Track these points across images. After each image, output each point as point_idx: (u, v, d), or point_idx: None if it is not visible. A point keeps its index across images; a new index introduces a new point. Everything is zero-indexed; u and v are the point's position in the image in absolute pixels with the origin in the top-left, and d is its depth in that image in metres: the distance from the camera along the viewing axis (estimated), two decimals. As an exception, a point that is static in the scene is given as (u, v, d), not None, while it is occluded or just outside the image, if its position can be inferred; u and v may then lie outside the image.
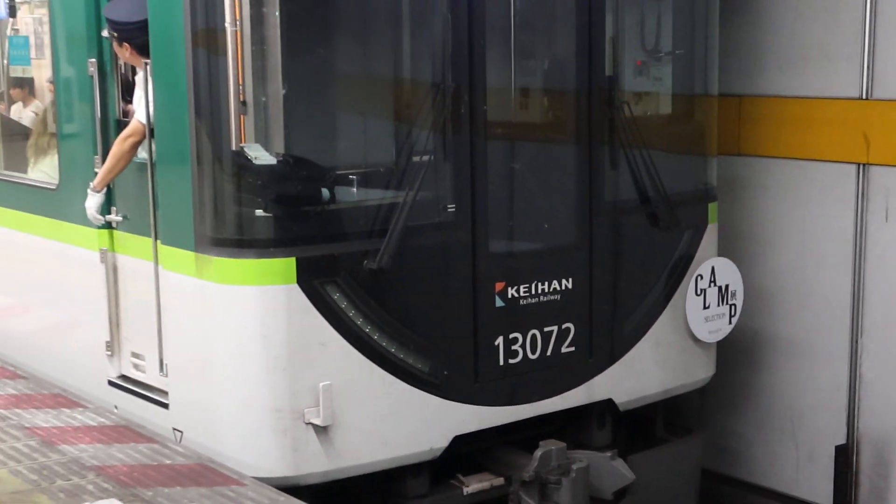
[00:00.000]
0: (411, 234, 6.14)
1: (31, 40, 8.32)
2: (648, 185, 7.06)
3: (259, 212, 6.02)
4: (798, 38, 7.67)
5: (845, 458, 7.71)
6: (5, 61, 8.44)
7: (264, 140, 6.05)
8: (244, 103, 5.98)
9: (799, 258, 7.89)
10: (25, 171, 8.12)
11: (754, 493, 8.26)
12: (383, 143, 6.70)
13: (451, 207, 6.37)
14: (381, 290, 6.13)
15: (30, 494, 5.64)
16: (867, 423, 7.66)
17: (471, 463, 6.73)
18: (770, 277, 8.02)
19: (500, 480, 6.67)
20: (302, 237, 6.04)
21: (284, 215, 6.05)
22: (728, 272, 7.48)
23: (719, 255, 7.55)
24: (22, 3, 8.29)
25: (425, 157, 6.29)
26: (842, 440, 7.73)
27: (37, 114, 8.64)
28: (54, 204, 7.34)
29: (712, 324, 7.45)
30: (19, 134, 8.60)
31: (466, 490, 6.58)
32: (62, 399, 7.19)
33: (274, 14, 5.91)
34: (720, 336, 7.56)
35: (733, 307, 7.52)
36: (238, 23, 5.87)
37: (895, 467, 7.53)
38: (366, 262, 6.04)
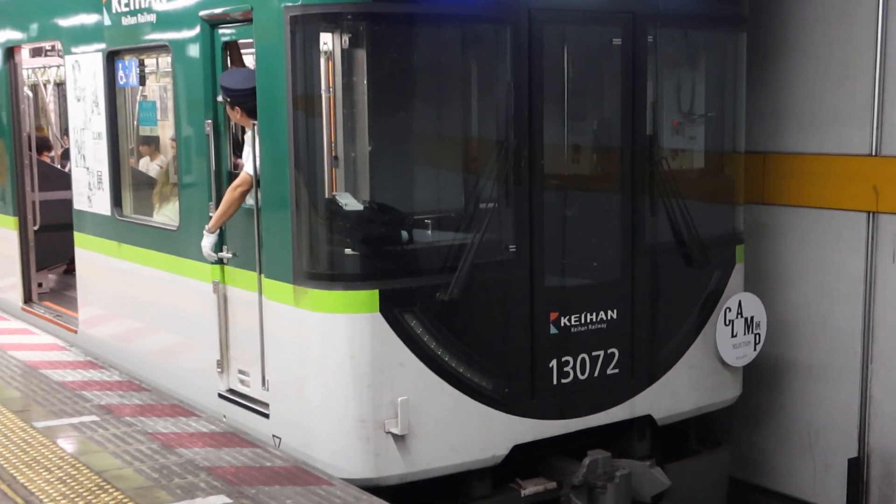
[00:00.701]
0: (478, 271, 6.14)
1: (158, 104, 8.46)
2: (683, 229, 6.99)
3: (348, 250, 6.05)
4: (815, 103, 7.61)
5: (857, 470, 7.58)
6: (136, 122, 8.53)
7: (353, 189, 6.09)
8: (336, 158, 6.05)
9: (815, 294, 7.79)
10: (151, 215, 8.18)
11: (776, 499, 8.13)
12: (454, 191, 6.71)
13: (513, 247, 6.37)
14: (451, 319, 6.13)
15: (151, 490, 5.67)
16: (876, 439, 7.53)
17: (527, 469, 6.66)
18: (790, 310, 7.92)
19: (552, 485, 6.61)
20: (384, 272, 6.06)
21: (369, 253, 6.08)
22: (753, 305, 7.39)
23: (745, 290, 7.46)
24: (150, 73, 8.41)
25: (490, 204, 6.28)
26: (854, 454, 7.60)
27: (161, 166, 8.76)
28: (175, 243, 7.39)
29: (739, 350, 7.37)
30: (146, 183, 8.69)
31: (524, 493, 6.52)
32: (179, 409, 7.23)
33: (362, 82, 5.94)
34: (746, 361, 7.46)
35: (758, 336, 7.43)
36: (331, 90, 5.96)
37: (902, 479, 7.41)
38: (438, 294, 6.05)
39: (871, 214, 7.33)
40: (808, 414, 7.90)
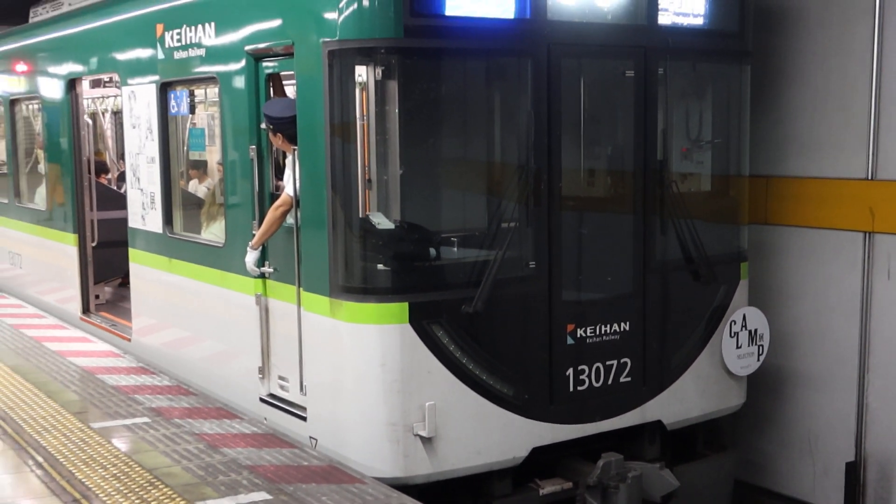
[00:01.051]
0: (500, 285, 6.13)
1: (206, 131, 8.52)
2: (692, 247, 6.96)
3: (380, 266, 6.05)
4: (814, 130, 7.58)
5: (854, 473, 7.51)
6: (186, 147, 8.58)
7: (385, 209, 6.10)
8: (369, 180, 6.06)
9: (815, 308, 7.74)
10: (199, 233, 8.21)
11: (778, 501, 8.06)
12: (478, 212, 6.71)
13: (532, 264, 6.35)
14: (475, 330, 6.12)
15: (198, 487, 5.70)
16: (873, 445, 7.46)
17: (545, 469, 6.63)
18: (791, 324, 7.86)
19: (569, 484, 6.58)
20: (413, 286, 6.07)
21: (400, 269, 6.08)
22: (757, 319, 7.35)
23: (750, 305, 7.42)
24: (199, 102, 8.48)
25: (512, 224, 6.28)
26: (851, 458, 7.53)
27: (209, 188, 8.79)
28: (221, 258, 7.41)
29: (743, 360, 7.32)
30: (195, 203, 8.73)
31: (542, 492, 6.50)
32: (224, 412, 7.26)
33: (394, 111, 5.97)
34: (750, 370, 7.41)
35: (761, 347, 7.39)
36: (365, 118, 5.98)
37: (897, 481, 7.35)
38: (463, 306, 6.05)
39: (867, 234, 7.29)
40: (809, 420, 7.84)
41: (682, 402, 7.08)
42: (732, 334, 7.23)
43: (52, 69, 10.58)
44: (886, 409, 7.35)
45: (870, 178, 7.23)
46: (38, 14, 11.72)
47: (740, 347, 7.29)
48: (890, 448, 7.34)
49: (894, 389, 7.28)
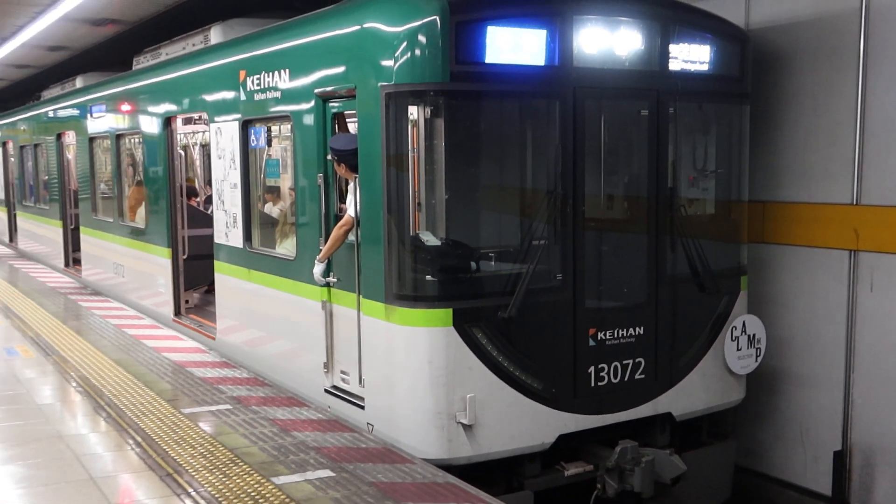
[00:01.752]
0: (531, 294, 6.12)
1: (280, 161, 8.59)
2: (697, 263, 6.90)
3: (428, 277, 6.05)
4: (806, 162, 7.48)
5: (841, 461, 7.38)
6: (263, 175, 8.65)
7: (432, 228, 6.09)
8: (419, 204, 6.07)
9: (806, 316, 7.63)
10: (273, 248, 8.26)
11: (774, 484, 7.94)
12: (513, 231, 6.70)
13: (559, 276, 6.33)
14: (509, 332, 6.11)
15: (272, 465, 5.75)
16: (857, 436, 7.33)
17: (570, 454, 6.60)
18: (786, 329, 7.76)
19: (590, 467, 6.54)
20: (456, 295, 6.06)
21: (445, 280, 6.07)
22: (755, 325, 7.27)
23: (749, 313, 7.35)
24: (274, 136, 8.55)
25: (541, 242, 6.26)
26: (838, 447, 7.40)
27: (281, 210, 8.85)
28: (292, 270, 7.44)
29: (743, 361, 7.24)
30: (270, 223, 8.79)
31: (566, 473, 6.46)
32: (294, 401, 7.28)
33: (441, 145, 5.97)
34: (749, 370, 7.32)
35: (759, 349, 7.30)
36: (416, 150, 6.00)
37: (878, 468, 7.18)
38: (500, 312, 6.04)
39: (852, 252, 7.19)
40: (800, 414, 7.73)
41: (689, 396, 7.00)
42: (733, 338, 7.16)
43: (151, 109, 10.75)
44: (869, 405, 7.24)
45: (854, 203, 7.14)
46: (139, 62, 11.92)
47: (740, 350, 7.21)
48: (872, 439, 7.22)
49: (876, 388, 7.17)
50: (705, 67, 6.98)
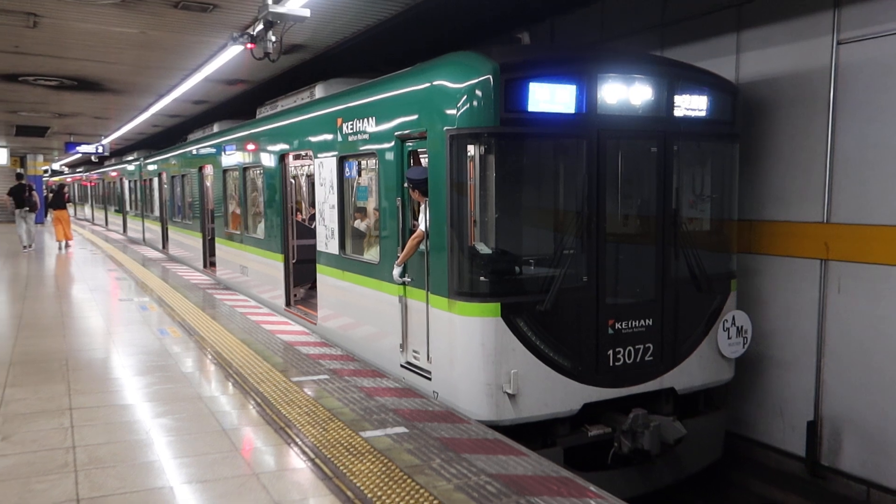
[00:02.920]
0: (563, 293, 6.08)
1: (367, 188, 8.65)
2: (696, 269, 6.78)
3: (482, 278, 6.05)
4: (786, 188, 7.31)
5: (813, 429, 7.17)
6: (354, 198, 8.73)
7: (485, 240, 6.09)
8: (475, 221, 6.07)
9: (785, 312, 7.44)
10: (362, 255, 8.32)
11: (757, 446, 7.74)
12: (548, 242, 6.64)
13: (585, 278, 6.28)
14: (545, 322, 6.07)
15: (359, 422, 5.77)
16: (827, 409, 7.11)
17: (592, 419, 6.52)
18: (768, 323, 7.57)
19: (608, 429, 6.44)
20: (504, 292, 6.03)
21: (495, 280, 6.05)
22: (743, 319, 7.10)
23: (738, 309, 7.19)
24: (363, 169, 8.63)
25: (571, 251, 6.22)
26: (811, 418, 7.20)
27: (368, 226, 8.90)
28: (376, 272, 7.49)
29: (733, 347, 7.08)
30: (359, 236, 8.85)
31: (590, 434, 6.39)
32: (377, 373, 7.30)
33: (492, 175, 5.97)
34: (738, 355, 7.15)
35: (745, 338, 7.13)
36: (473, 179, 5.99)
37: (844, 434, 6.95)
38: (538, 306, 6.01)
39: (822, 261, 7.00)
40: (780, 391, 7.53)
41: (688, 375, 6.87)
42: (725, 329, 7.01)
43: (270, 148, 10.92)
44: (836, 384, 7.02)
45: (825, 221, 6.95)
46: (261, 112, 12.12)
47: (731, 338, 7.05)
48: (839, 411, 7.00)
49: (842, 370, 6.95)
50: (703, 113, 6.86)
